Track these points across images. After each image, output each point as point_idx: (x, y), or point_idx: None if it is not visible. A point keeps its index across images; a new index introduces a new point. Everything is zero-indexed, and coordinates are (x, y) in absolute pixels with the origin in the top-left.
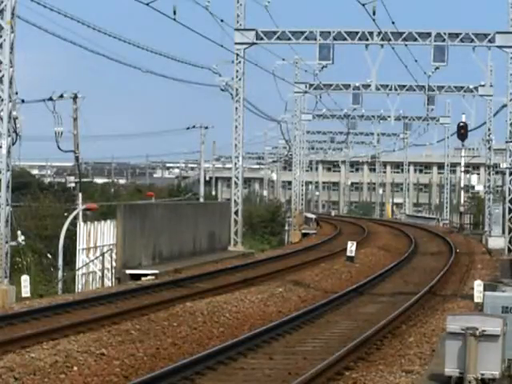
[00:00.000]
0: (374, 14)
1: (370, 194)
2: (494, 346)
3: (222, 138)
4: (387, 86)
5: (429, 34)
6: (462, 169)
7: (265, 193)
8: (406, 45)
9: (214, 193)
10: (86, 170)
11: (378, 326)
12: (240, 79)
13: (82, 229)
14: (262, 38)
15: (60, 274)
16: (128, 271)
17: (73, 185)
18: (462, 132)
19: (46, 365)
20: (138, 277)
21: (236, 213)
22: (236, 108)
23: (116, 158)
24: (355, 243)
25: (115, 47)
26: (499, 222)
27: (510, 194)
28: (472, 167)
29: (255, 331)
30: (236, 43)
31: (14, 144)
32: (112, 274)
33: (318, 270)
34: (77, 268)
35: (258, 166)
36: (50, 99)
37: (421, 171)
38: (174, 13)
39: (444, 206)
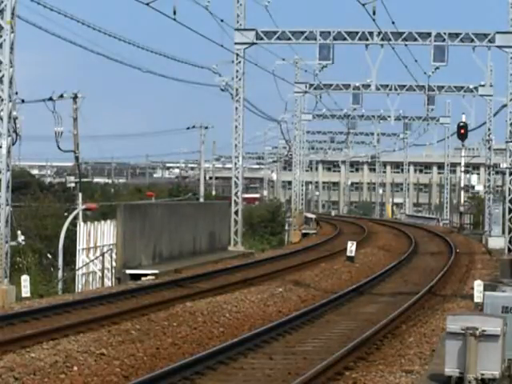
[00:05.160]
0: (374, 13)
1: (370, 194)
2: (493, 346)
3: (222, 138)
4: (387, 85)
5: (429, 34)
6: (462, 169)
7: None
8: (406, 45)
9: (213, 193)
10: (86, 170)
11: (378, 326)
12: (240, 79)
13: (82, 229)
14: (262, 38)
15: (60, 273)
16: (128, 271)
17: (73, 185)
18: (462, 132)
19: (46, 365)
20: (138, 277)
21: (236, 213)
22: (236, 108)
23: (116, 157)
24: (355, 243)
25: (115, 47)
26: (499, 222)
27: (510, 194)
28: (472, 167)
29: (255, 331)
30: (236, 43)
31: (14, 144)
32: (112, 274)
33: (318, 270)
34: (77, 268)
35: (258, 166)
36: (50, 99)
37: (421, 171)
38: (174, 13)
39: (444, 206)
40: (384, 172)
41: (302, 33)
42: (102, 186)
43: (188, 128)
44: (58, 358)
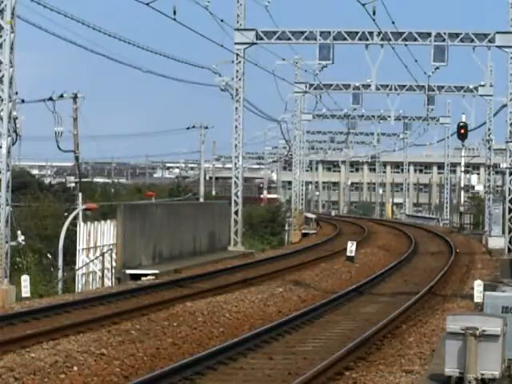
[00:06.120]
0: (374, 14)
1: (369, 194)
2: (493, 346)
3: (222, 138)
4: (387, 85)
5: (429, 34)
6: (462, 169)
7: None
8: (406, 45)
9: (213, 193)
10: (86, 170)
11: (378, 326)
12: (240, 79)
13: (82, 229)
14: (261, 38)
15: (60, 273)
16: (128, 271)
17: (73, 185)
18: (462, 132)
19: (46, 365)
20: (138, 277)
21: (236, 213)
22: (236, 108)
23: (116, 157)
24: (355, 243)
25: (115, 47)
26: (499, 221)
27: (510, 194)
28: (472, 167)
29: (255, 331)
30: (236, 43)
31: (14, 144)
32: (112, 274)
33: (318, 270)
34: (77, 268)
35: (258, 166)
36: (50, 99)
37: (421, 171)
38: (174, 13)
39: (444, 206)
40: (384, 172)
41: (302, 33)
42: (102, 185)
43: (188, 128)
44: (58, 358)
